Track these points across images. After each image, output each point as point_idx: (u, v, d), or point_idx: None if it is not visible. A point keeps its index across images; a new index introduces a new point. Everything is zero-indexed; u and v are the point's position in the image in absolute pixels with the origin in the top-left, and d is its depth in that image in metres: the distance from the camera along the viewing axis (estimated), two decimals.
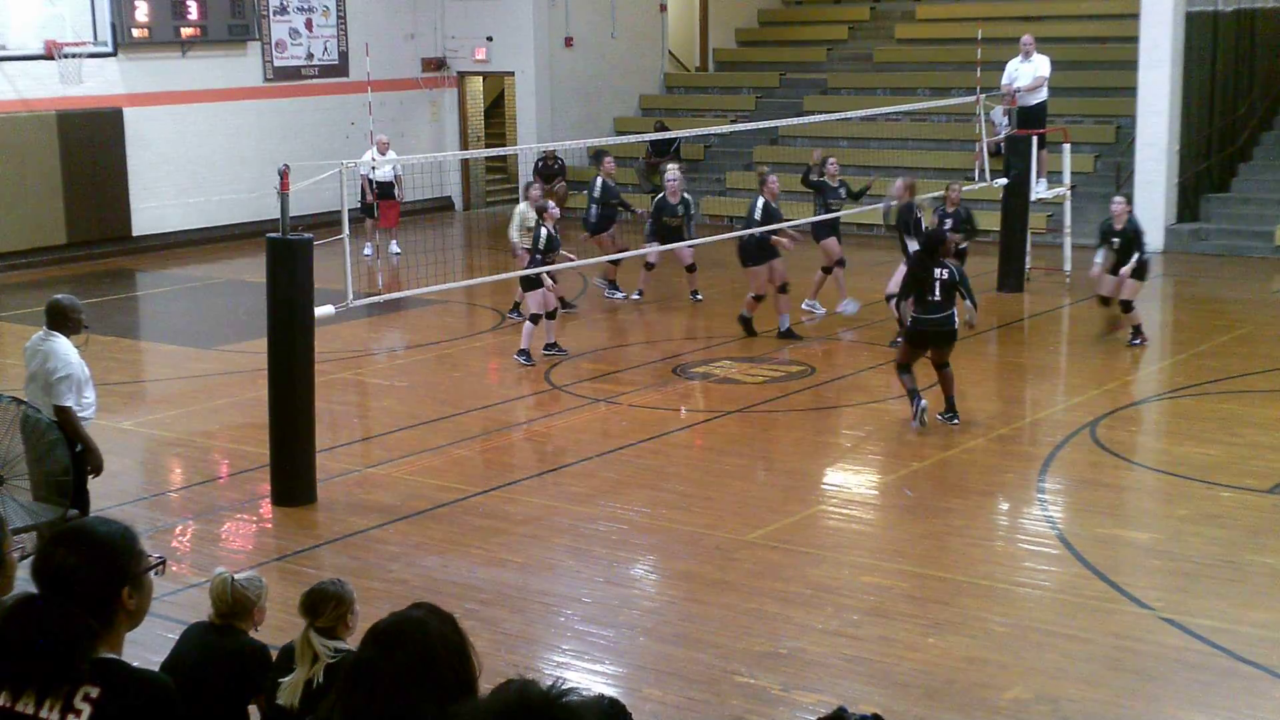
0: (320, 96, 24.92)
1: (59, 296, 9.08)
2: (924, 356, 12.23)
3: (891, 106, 22.29)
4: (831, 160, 17.24)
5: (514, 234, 16.46)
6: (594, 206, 18.19)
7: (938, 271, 11.96)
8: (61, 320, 8.90)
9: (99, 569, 3.26)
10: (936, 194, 16.58)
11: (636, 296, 18.08)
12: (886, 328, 15.85)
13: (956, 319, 12.09)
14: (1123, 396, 13.44)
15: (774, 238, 15.49)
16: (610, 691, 5.13)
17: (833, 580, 9.06)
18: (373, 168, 20.87)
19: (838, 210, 17.02)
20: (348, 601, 5.62)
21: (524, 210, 16.41)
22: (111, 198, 22.20)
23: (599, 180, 18.26)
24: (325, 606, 5.53)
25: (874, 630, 8.28)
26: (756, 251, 15.54)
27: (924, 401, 12.03)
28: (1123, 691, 7.51)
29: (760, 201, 15.51)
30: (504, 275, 17.71)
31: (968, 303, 12.29)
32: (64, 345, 8.85)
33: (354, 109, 24.36)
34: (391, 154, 21.24)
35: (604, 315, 17.59)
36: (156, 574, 3.41)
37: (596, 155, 19.95)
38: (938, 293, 11.91)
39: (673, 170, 18.05)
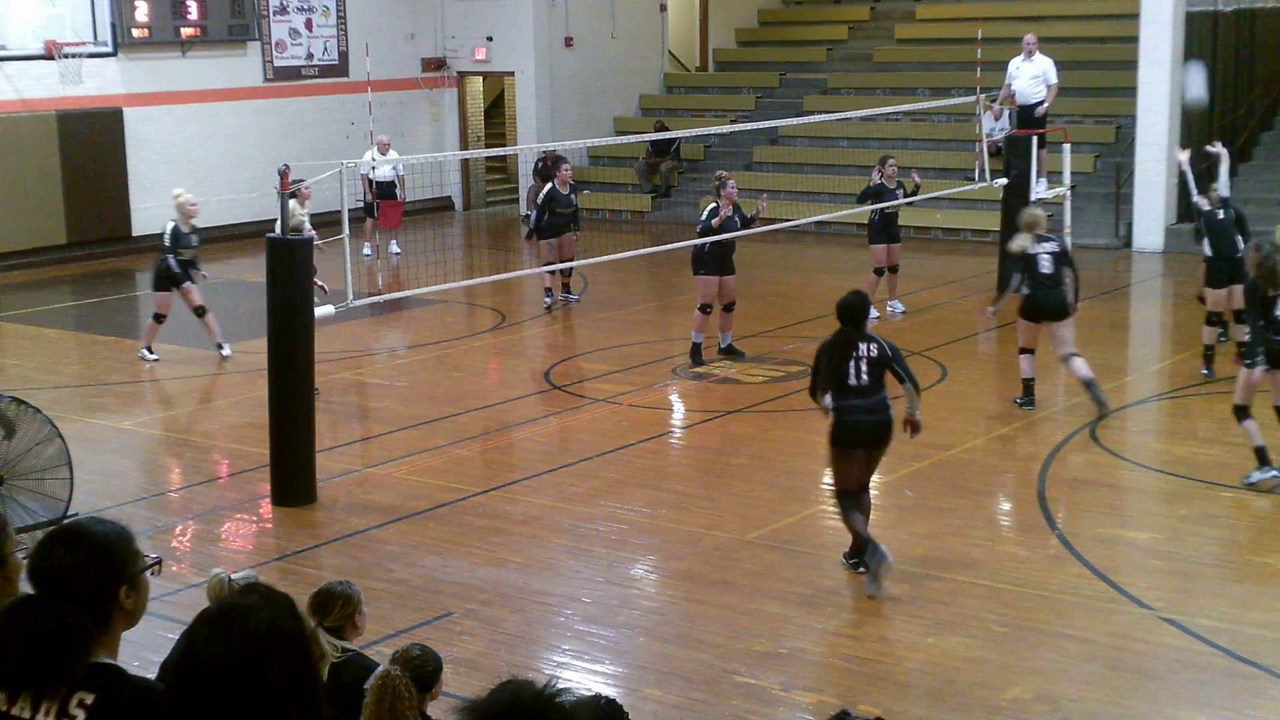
0: (320, 96, 24.92)
1: None
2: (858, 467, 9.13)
3: (891, 106, 22.29)
4: (891, 160, 16.52)
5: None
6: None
7: (862, 347, 9.00)
8: None
9: (96, 569, 3.25)
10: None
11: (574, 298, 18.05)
12: (886, 328, 15.85)
13: (892, 410, 9.08)
14: (1123, 396, 13.43)
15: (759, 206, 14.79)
16: (610, 691, 5.13)
17: (833, 580, 9.05)
18: (373, 167, 20.86)
19: (893, 214, 16.63)
20: (355, 602, 5.70)
21: (295, 207, 16.35)
22: (111, 198, 22.20)
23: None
24: (334, 606, 5.63)
25: (874, 630, 8.28)
26: (710, 261, 14.58)
27: (890, 557, 8.75)
28: (1123, 691, 7.51)
29: (711, 208, 14.59)
30: (504, 275, 17.73)
31: (907, 385, 9.09)
32: None
33: (354, 109, 24.36)
34: (393, 154, 21.23)
35: (604, 316, 17.57)
36: (153, 574, 3.41)
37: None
38: (863, 374, 8.94)
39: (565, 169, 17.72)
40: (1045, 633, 8.20)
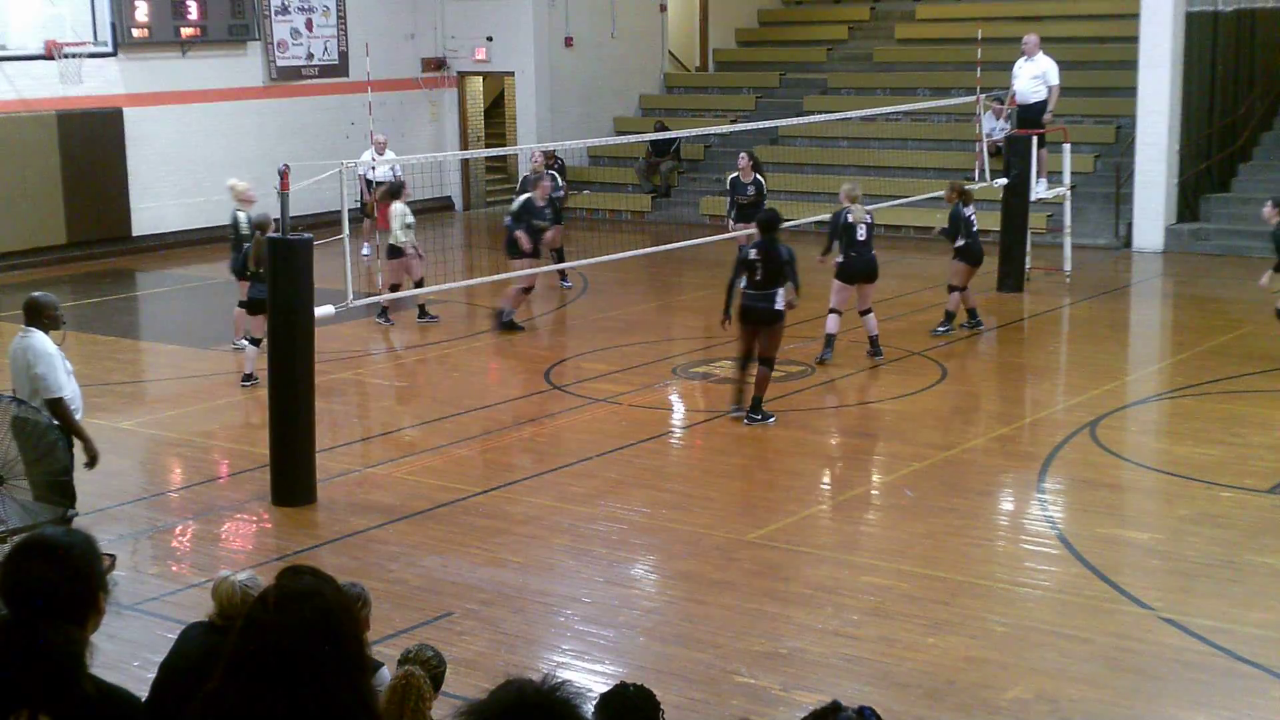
0: (320, 96, 24.91)
1: (35, 294, 9.19)
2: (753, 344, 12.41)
3: (891, 106, 22.30)
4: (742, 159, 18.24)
5: (401, 235, 16.64)
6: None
7: (753, 253, 12.34)
8: (37, 316, 8.95)
9: (79, 580, 3.24)
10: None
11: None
12: (886, 329, 15.86)
13: (780, 300, 12.32)
14: (1123, 396, 13.43)
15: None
16: None
17: (833, 580, 9.06)
18: (372, 168, 20.84)
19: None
20: (368, 603, 5.84)
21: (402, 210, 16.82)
22: (111, 198, 22.19)
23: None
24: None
25: (874, 630, 8.28)
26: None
27: (741, 412, 12.54)
28: (1123, 691, 7.52)
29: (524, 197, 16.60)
30: (504, 275, 17.72)
31: (790, 284, 12.43)
32: (41, 339, 8.88)
33: (354, 109, 24.34)
34: (390, 154, 21.19)
35: (604, 316, 17.57)
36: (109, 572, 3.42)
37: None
38: (757, 274, 12.27)
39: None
40: (1045, 633, 8.20)
